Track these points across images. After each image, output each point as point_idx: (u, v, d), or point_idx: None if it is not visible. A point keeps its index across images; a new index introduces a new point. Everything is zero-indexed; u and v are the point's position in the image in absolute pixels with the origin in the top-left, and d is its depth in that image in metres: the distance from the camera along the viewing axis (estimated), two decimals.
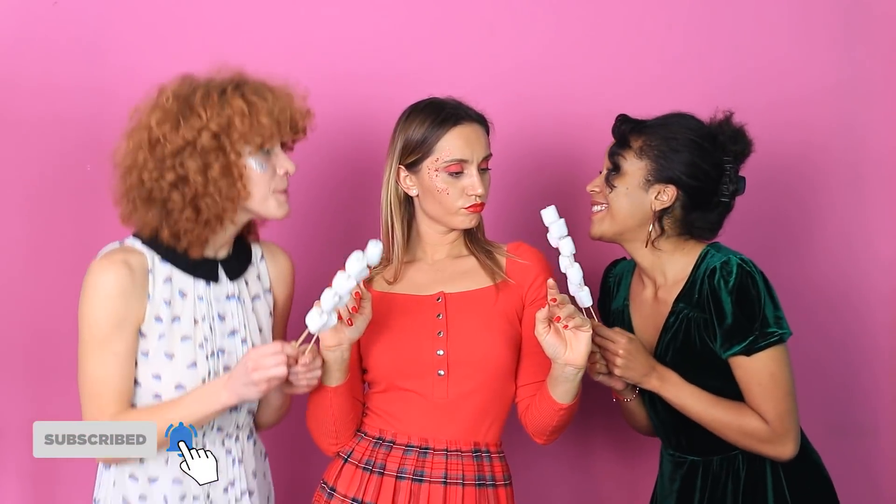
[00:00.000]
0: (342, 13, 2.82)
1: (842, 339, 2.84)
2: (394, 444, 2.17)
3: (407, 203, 2.27)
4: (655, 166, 2.18)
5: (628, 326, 2.31)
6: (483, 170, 2.21)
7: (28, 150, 2.73)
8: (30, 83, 2.72)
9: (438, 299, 2.21)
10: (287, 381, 2.06)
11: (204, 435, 2.14)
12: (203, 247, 2.12)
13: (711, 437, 2.19)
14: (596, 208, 2.26)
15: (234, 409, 2.15)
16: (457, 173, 2.19)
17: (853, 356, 2.84)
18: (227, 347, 2.16)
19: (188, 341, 2.12)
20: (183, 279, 2.13)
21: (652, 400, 2.26)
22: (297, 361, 2.03)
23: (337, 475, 2.20)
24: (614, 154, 2.22)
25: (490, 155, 2.22)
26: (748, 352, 2.12)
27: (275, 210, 2.14)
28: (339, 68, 2.80)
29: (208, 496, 2.15)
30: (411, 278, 2.25)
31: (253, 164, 2.10)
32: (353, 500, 2.15)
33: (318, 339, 2.04)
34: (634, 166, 2.20)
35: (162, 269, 2.12)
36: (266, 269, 2.27)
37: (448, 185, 2.19)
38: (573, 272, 2.05)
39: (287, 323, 2.34)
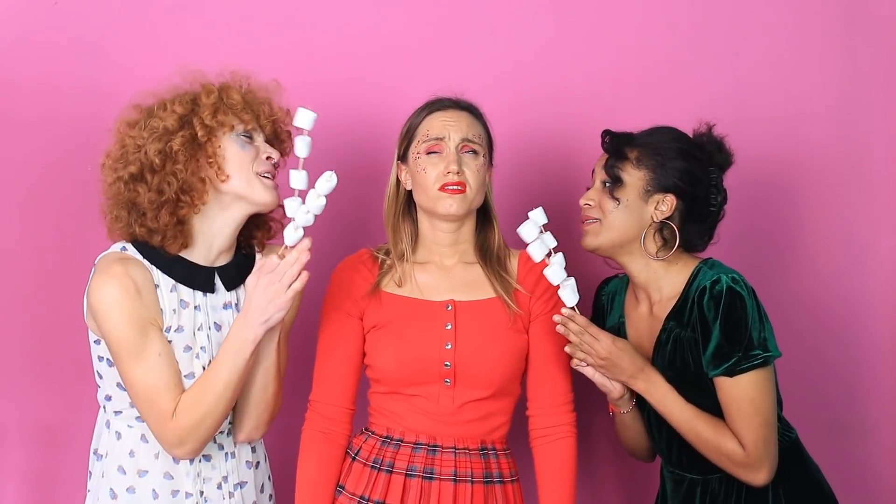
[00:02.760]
0: (342, 13, 2.82)
1: (842, 339, 2.84)
2: (402, 442, 2.18)
3: (408, 201, 2.28)
4: (654, 175, 2.19)
5: None
6: (468, 153, 2.21)
7: (28, 151, 2.73)
8: (30, 83, 2.72)
9: (448, 307, 2.20)
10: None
11: None
12: (179, 240, 2.11)
13: None
14: (589, 221, 2.24)
15: None
16: (435, 153, 2.20)
17: (853, 356, 2.84)
18: None
19: (189, 351, 2.12)
20: (184, 290, 2.14)
21: (654, 412, 2.24)
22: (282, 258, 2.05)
23: (346, 473, 2.21)
24: (612, 167, 2.20)
25: (474, 140, 2.22)
26: (730, 373, 2.11)
27: (262, 193, 2.14)
28: (338, 69, 2.80)
29: (202, 493, 2.15)
30: (421, 281, 2.24)
31: (233, 143, 2.13)
32: (362, 497, 2.16)
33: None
34: (633, 177, 2.19)
35: (165, 280, 2.12)
36: None
37: (427, 165, 2.20)
38: (558, 259, 2.12)
39: (288, 335, 2.28)
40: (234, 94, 2.14)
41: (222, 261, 2.19)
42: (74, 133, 2.72)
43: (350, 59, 2.81)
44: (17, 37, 2.73)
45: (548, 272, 2.15)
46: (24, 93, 2.72)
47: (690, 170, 2.19)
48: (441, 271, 2.25)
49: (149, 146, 2.09)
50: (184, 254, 2.15)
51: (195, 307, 2.14)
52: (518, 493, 2.23)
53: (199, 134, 2.09)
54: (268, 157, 2.16)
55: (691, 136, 2.24)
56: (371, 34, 2.82)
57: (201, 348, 2.14)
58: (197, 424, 2.07)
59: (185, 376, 2.11)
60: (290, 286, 2.02)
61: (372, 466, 2.18)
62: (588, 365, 2.19)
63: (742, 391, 2.11)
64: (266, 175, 2.15)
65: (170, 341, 2.10)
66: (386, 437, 2.19)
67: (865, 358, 2.85)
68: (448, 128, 2.21)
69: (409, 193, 2.27)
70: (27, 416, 2.75)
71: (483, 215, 2.29)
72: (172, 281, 2.13)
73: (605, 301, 2.39)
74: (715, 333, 2.11)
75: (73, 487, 2.72)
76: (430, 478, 2.14)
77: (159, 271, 2.12)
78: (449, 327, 2.18)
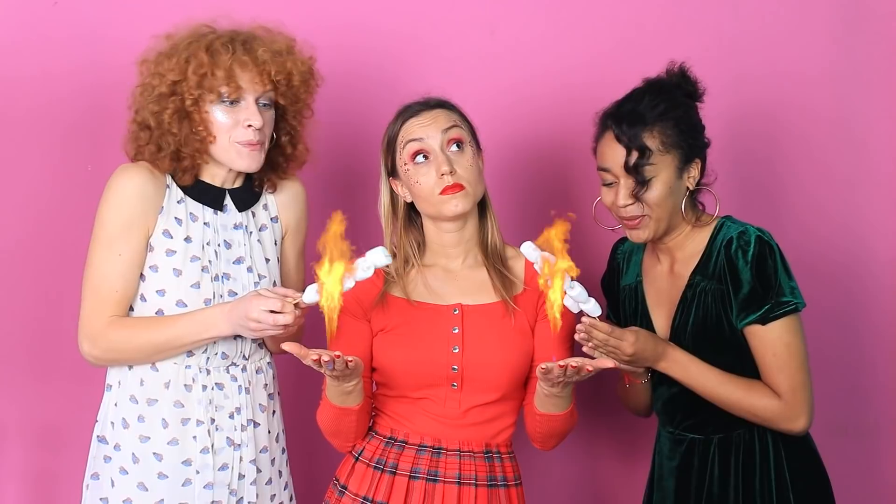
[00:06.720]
0: (341, 13, 2.82)
1: (843, 338, 2.85)
2: (406, 443, 2.18)
3: (409, 211, 2.26)
4: (680, 152, 2.20)
5: (641, 302, 2.32)
6: (454, 149, 2.18)
7: (28, 151, 2.74)
8: (30, 83, 2.72)
9: (455, 311, 2.20)
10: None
11: (208, 360, 2.21)
12: (185, 175, 2.23)
13: (718, 417, 2.20)
14: (634, 219, 2.21)
15: (238, 337, 2.22)
16: (422, 158, 2.18)
17: (854, 356, 2.85)
18: (233, 273, 2.25)
19: (197, 262, 2.21)
20: (193, 204, 2.24)
21: (664, 378, 2.24)
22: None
23: (349, 473, 2.21)
24: (640, 166, 2.17)
25: (455, 126, 2.19)
26: (764, 320, 2.14)
27: (236, 162, 2.23)
28: (337, 68, 2.79)
29: (213, 421, 2.21)
30: (428, 285, 2.23)
31: (215, 113, 2.20)
32: (365, 498, 2.16)
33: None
34: (664, 163, 2.19)
35: (176, 190, 2.23)
36: (273, 198, 2.36)
37: (418, 176, 2.18)
38: (577, 292, 2.03)
39: (303, 250, 2.41)
40: (221, 66, 2.18)
41: (231, 185, 2.30)
42: (74, 133, 2.72)
43: (349, 58, 2.81)
44: (17, 37, 2.73)
45: (567, 302, 2.07)
46: (24, 92, 2.72)
47: (692, 123, 2.23)
48: (448, 274, 2.24)
49: (145, 107, 2.21)
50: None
51: (204, 223, 2.24)
52: (521, 497, 2.23)
53: (188, 104, 2.18)
54: (248, 126, 2.21)
55: (665, 77, 2.27)
56: (370, 34, 2.82)
57: (209, 261, 2.22)
58: (116, 349, 2.18)
59: (191, 286, 2.20)
60: (263, 331, 2.09)
61: (375, 467, 2.17)
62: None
63: (777, 336, 2.14)
64: (242, 142, 2.21)
65: (172, 252, 2.19)
66: (390, 438, 2.19)
67: (865, 358, 2.86)
68: (425, 128, 2.19)
69: (410, 204, 2.25)
70: (27, 416, 2.75)
71: (479, 206, 2.25)
72: (181, 193, 2.24)
73: (621, 260, 2.41)
74: (746, 279, 2.14)
75: (73, 487, 2.72)
76: (435, 480, 2.14)
77: (172, 181, 2.24)
78: (456, 331, 2.18)
